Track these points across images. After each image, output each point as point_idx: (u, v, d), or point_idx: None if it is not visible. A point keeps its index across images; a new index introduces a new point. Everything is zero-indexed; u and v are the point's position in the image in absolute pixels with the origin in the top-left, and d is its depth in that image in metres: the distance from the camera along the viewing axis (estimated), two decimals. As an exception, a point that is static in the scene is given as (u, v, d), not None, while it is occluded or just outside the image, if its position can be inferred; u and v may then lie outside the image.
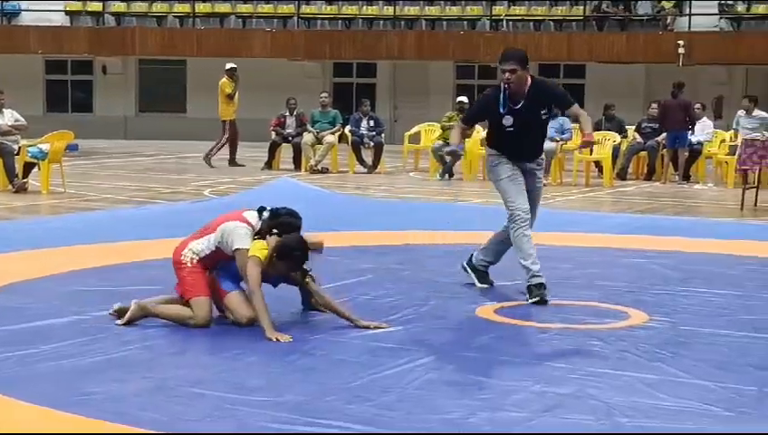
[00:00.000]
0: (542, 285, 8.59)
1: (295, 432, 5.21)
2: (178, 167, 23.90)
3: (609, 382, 6.24)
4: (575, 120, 9.15)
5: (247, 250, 7.34)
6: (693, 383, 6.24)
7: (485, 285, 9.17)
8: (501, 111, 8.68)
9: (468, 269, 9.32)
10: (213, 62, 33.67)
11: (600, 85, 31.53)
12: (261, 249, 7.34)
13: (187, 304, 7.48)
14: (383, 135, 22.77)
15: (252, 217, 7.55)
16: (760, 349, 7.14)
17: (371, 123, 22.58)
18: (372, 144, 22.30)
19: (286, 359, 6.70)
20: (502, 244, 9.18)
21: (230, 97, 23.36)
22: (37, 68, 36.23)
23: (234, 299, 7.47)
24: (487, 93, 9.03)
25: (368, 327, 7.41)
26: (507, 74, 8.54)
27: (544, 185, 18.90)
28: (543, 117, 8.85)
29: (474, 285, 9.22)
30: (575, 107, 8.95)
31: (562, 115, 19.56)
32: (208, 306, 7.46)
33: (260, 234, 7.47)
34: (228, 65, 23.91)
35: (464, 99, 22.11)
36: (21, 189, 16.78)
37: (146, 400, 5.72)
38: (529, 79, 8.69)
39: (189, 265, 7.53)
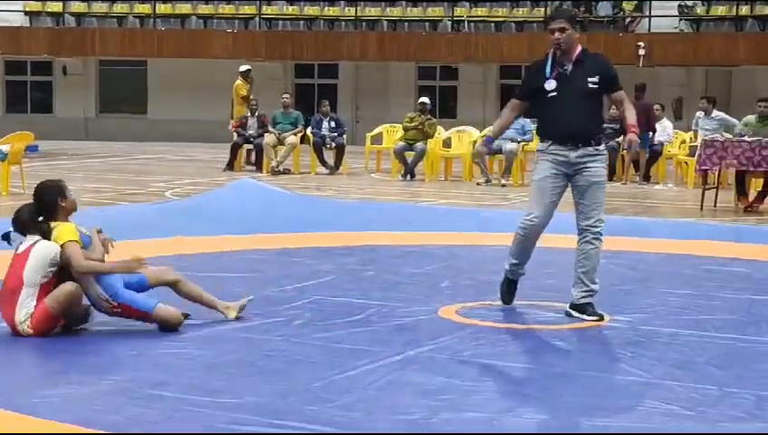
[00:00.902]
0: (504, 281, 8.46)
1: (256, 433, 5.18)
2: (139, 168, 23.78)
3: (570, 382, 6.26)
4: (618, 107, 8.22)
5: (71, 241, 7.15)
6: (654, 383, 6.26)
7: (595, 317, 7.94)
8: (546, 75, 8.04)
9: (574, 312, 8.05)
10: (174, 62, 33.67)
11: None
12: (70, 232, 7.19)
13: None
14: (345, 136, 22.73)
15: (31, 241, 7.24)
16: (719, 348, 7.17)
17: (332, 124, 22.55)
18: (334, 145, 22.26)
19: (246, 360, 6.67)
20: (579, 265, 8.15)
21: (245, 99, 23.29)
22: (-4, 68, 36.02)
23: (161, 313, 7.32)
24: (535, 60, 8.37)
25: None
26: (557, 33, 7.95)
27: (503, 186, 19.25)
28: (591, 86, 7.99)
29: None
30: (622, 93, 8.21)
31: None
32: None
33: (39, 229, 7.23)
34: (243, 67, 24.03)
35: (425, 99, 22.15)
36: (-21, 191, 16.66)
37: (105, 402, 5.69)
38: (579, 45, 8.10)
39: (33, 327, 7.11)
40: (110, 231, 10.84)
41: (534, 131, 20.60)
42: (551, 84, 8.01)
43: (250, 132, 22.63)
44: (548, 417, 5.54)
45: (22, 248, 7.19)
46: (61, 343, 6.93)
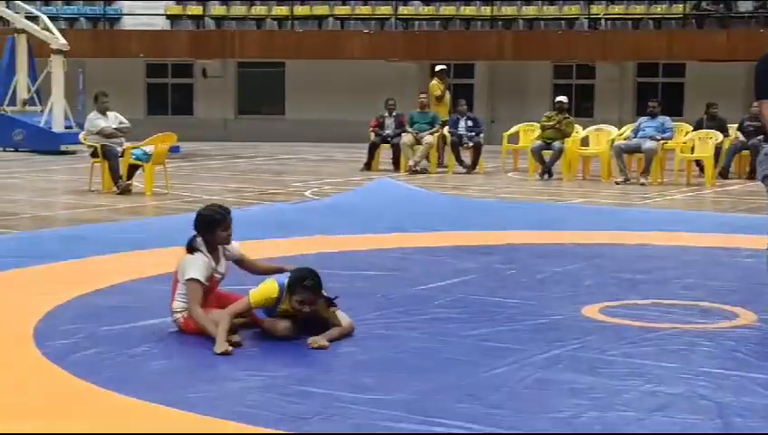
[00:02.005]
0: None
1: (407, 433, 5.22)
2: (278, 168, 24.07)
3: (719, 382, 6.17)
4: None
5: (197, 280, 7.23)
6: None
7: None
8: None
9: None
10: (312, 63, 33.98)
11: (701, 84, 31.21)
12: (261, 294, 7.18)
13: None
14: (482, 135, 22.72)
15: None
16: None
17: (470, 123, 22.56)
18: (471, 144, 22.28)
19: (393, 357, 6.72)
20: None
21: (439, 99, 23.52)
22: (139, 71, 36.75)
23: (266, 324, 7.29)
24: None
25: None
26: None
27: (642, 184, 19.02)
28: None
29: None
30: None
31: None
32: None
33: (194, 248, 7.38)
34: (438, 67, 24.31)
35: (563, 98, 22.03)
36: (125, 191, 17.03)
37: (257, 398, 5.78)
38: None
39: (183, 321, 7.34)
40: (253, 230, 11.03)
41: (674, 129, 20.41)
42: None
43: (387, 132, 22.75)
44: (699, 417, 5.47)
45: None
46: (209, 339, 7.04)
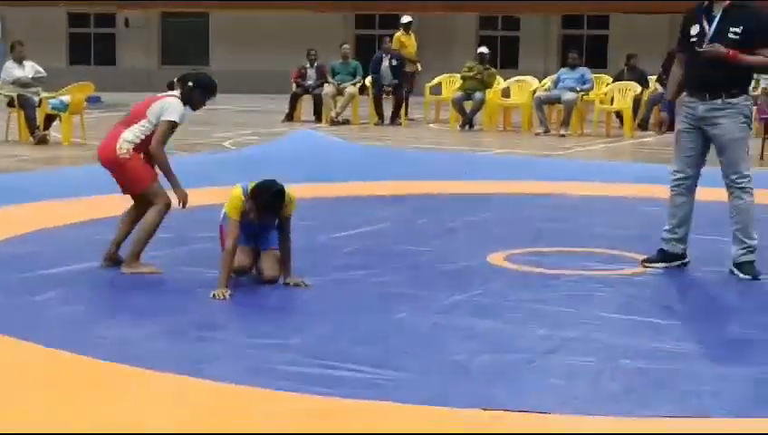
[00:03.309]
0: (659, 251, 8.06)
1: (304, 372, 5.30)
2: (200, 119, 23.90)
3: (614, 326, 6.34)
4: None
5: (172, 122, 7.61)
6: (693, 327, 6.32)
7: (749, 277, 7.68)
8: (694, 21, 7.78)
9: (735, 270, 7.79)
10: (236, 14, 33.78)
11: (625, 36, 31.43)
12: (234, 207, 7.23)
13: (140, 199, 7.67)
14: (404, 87, 22.61)
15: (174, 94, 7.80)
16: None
17: (394, 62, 22.35)
18: (392, 90, 22.13)
19: (297, 304, 6.80)
20: (732, 222, 7.86)
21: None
22: (60, 21, 36.31)
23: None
24: (691, 7, 7.96)
25: (293, 284, 7.23)
26: None
27: (562, 135, 19.20)
28: (732, 37, 7.58)
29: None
30: None
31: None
32: (162, 189, 7.63)
33: (183, 97, 7.77)
34: (404, 19, 23.99)
35: (483, 49, 22.11)
36: (42, 141, 16.89)
37: (156, 343, 5.84)
38: None
39: (129, 156, 7.59)
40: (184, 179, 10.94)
41: (593, 80, 20.58)
42: (694, 29, 7.77)
43: (309, 83, 22.71)
44: (589, 359, 5.60)
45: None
46: (113, 288, 7.07)
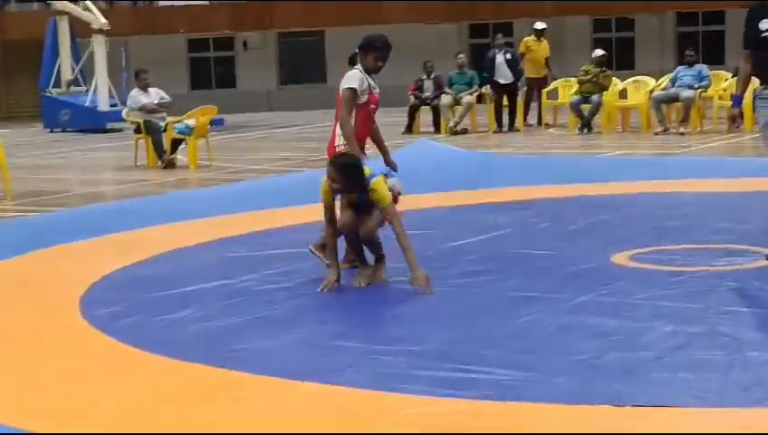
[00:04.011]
0: None
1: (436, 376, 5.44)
2: (321, 135, 24.26)
3: (741, 320, 6.36)
4: None
5: (351, 89, 7.96)
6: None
7: None
8: (762, 15, 8.01)
9: None
10: (351, 30, 34.08)
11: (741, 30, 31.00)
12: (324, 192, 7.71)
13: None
14: (521, 84, 22.66)
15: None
16: None
17: (508, 56, 22.47)
18: (509, 88, 22.21)
19: (426, 310, 6.95)
20: None
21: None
22: (180, 47, 37.04)
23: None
24: (755, 2, 8.24)
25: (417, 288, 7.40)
26: None
27: (681, 134, 19.05)
28: None
29: None
30: None
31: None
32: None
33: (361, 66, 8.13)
34: (538, 25, 24.07)
35: (599, 51, 22.05)
36: (170, 165, 17.33)
37: (289, 353, 6.03)
38: None
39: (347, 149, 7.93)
40: (304, 196, 11.23)
41: (711, 77, 20.39)
42: (764, 24, 7.96)
43: (426, 94, 22.88)
44: (718, 352, 5.65)
45: None
46: (246, 303, 7.28)
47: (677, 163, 15.24)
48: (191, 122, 17.74)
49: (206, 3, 36.28)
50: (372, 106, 8.18)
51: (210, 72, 37.79)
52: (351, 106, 7.99)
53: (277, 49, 37.15)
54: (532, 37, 23.71)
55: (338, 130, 8.08)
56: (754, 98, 8.17)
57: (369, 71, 8.14)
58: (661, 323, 6.27)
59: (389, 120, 25.58)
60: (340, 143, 8.02)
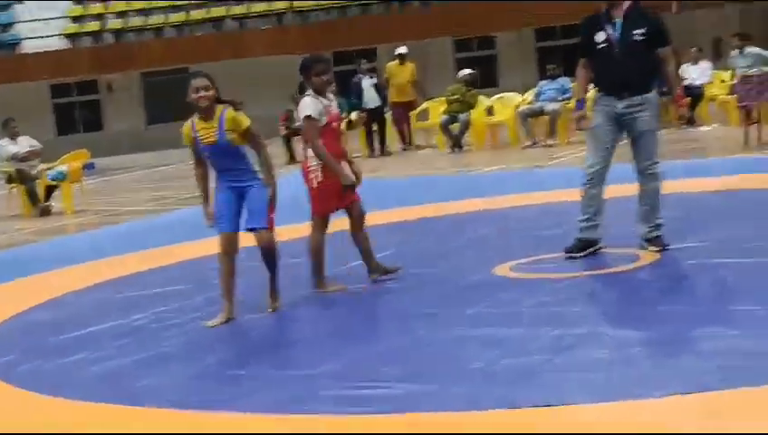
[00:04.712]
0: (579, 240, 8.74)
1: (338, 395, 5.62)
2: (193, 173, 24.25)
3: (620, 320, 6.68)
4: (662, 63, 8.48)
5: (309, 116, 8.08)
6: (701, 311, 6.64)
7: (659, 247, 8.52)
8: (598, 28, 8.53)
9: (645, 244, 8.62)
10: (214, 66, 34.15)
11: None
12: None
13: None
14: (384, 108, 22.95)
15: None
16: (766, 272, 7.50)
17: (374, 81, 22.77)
18: (374, 113, 22.49)
19: (316, 333, 7.13)
20: (641, 203, 8.73)
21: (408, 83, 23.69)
22: (43, 93, 36.70)
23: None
24: (588, 15, 8.78)
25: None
26: None
27: (549, 146, 19.51)
28: (638, 38, 8.38)
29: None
30: (668, 49, 8.54)
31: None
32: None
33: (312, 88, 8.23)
34: (399, 49, 24.11)
35: (465, 71, 22.42)
36: (45, 212, 17.23)
37: (190, 386, 6.16)
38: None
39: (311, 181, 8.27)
40: (181, 234, 11.30)
41: (573, 89, 20.91)
42: (600, 36, 8.50)
43: (297, 124, 22.96)
44: (602, 351, 5.92)
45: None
46: (142, 341, 7.38)
47: (548, 175, 15.61)
48: (64, 168, 17.69)
49: (67, 47, 36.00)
50: (334, 124, 8.32)
51: (76, 116, 37.51)
52: (315, 132, 8.12)
53: (142, 88, 37.03)
54: (396, 62, 23.98)
55: (309, 153, 8.23)
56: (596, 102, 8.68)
57: (321, 91, 8.24)
58: (548, 329, 6.53)
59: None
60: (312, 164, 8.20)
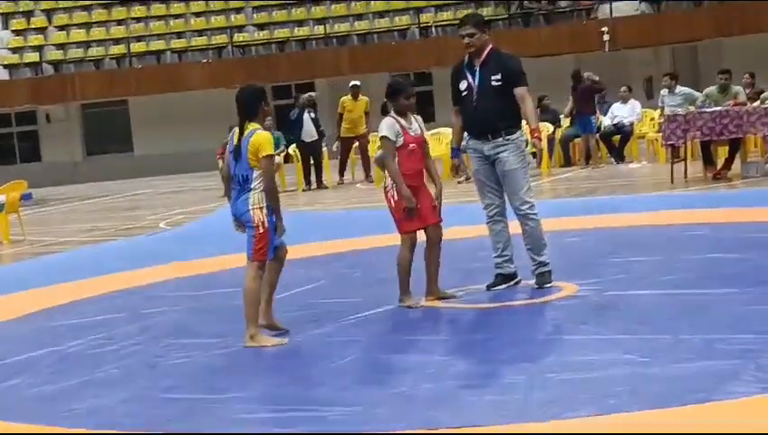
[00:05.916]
0: (497, 276, 9.08)
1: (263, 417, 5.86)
2: (132, 204, 24.45)
3: (539, 347, 6.99)
4: (520, 104, 8.77)
5: (385, 137, 8.49)
6: (614, 339, 6.96)
7: (543, 286, 8.89)
8: (461, 77, 8.93)
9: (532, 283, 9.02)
10: (154, 98, 34.34)
11: (532, 78, 32.24)
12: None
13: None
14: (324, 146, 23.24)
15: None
16: (675, 304, 7.87)
17: (312, 115, 23.07)
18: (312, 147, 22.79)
19: (247, 361, 7.38)
20: (524, 243, 9.05)
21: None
22: (-21, 123, 36.69)
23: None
24: (455, 64, 9.13)
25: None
26: (466, 38, 8.77)
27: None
28: (495, 84, 8.74)
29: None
30: (523, 90, 8.82)
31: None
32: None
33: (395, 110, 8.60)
34: (352, 82, 24.36)
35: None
36: (-18, 242, 17.30)
37: (124, 409, 6.38)
38: (490, 46, 8.87)
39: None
40: (112, 263, 11.51)
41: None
42: (463, 84, 8.91)
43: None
44: (520, 377, 6.21)
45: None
46: (78, 366, 7.58)
47: (479, 209, 15.89)
48: (1, 198, 17.76)
49: (6, 78, 35.99)
50: (412, 145, 8.57)
51: (14, 146, 37.50)
52: (390, 151, 8.47)
53: (82, 120, 37.10)
54: (349, 97, 24.22)
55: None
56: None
57: (402, 113, 8.58)
58: (468, 355, 6.83)
59: (200, 186, 25.96)
60: (388, 183, 8.58)
